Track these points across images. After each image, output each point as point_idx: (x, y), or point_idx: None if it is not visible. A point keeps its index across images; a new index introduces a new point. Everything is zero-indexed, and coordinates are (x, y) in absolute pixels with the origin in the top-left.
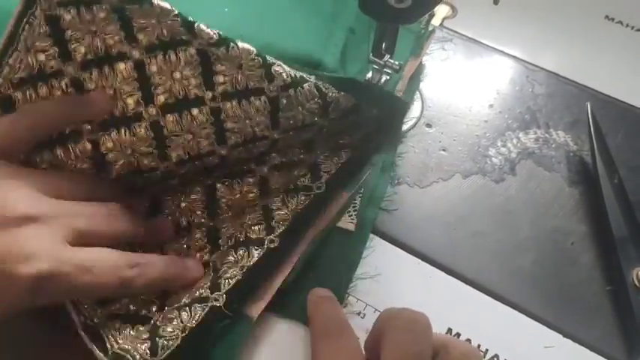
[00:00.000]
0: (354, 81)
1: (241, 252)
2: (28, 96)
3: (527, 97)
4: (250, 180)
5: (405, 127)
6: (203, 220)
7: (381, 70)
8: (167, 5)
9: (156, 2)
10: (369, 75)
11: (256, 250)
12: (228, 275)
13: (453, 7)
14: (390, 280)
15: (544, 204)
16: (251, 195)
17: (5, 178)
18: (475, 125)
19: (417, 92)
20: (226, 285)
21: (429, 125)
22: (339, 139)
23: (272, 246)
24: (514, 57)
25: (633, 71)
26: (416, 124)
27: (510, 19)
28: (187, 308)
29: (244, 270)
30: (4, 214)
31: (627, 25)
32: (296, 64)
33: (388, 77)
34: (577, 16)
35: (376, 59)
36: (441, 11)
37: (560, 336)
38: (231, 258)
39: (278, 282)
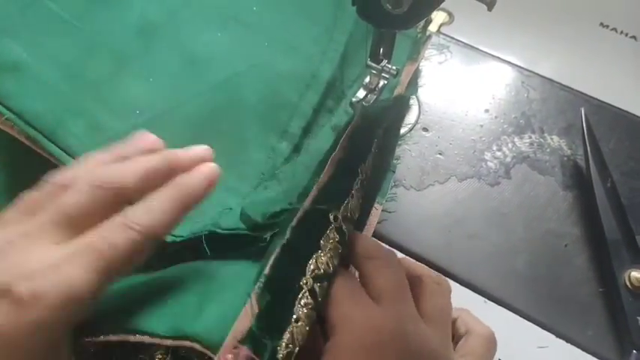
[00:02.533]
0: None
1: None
2: None
3: (522, 102)
4: None
5: (402, 131)
6: None
7: (378, 75)
8: None
9: None
10: (367, 79)
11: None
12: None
13: (450, 14)
14: None
15: (538, 207)
16: None
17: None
18: (471, 129)
19: (414, 97)
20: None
21: (425, 129)
22: None
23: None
24: (510, 63)
25: (627, 77)
26: (413, 128)
27: (506, 25)
28: None
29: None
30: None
31: (621, 32)
32: (287, 81)
33: (386, 82)
34: (572, 22)
35: (374, 64)
36: (438, 18)
37: (554, 336)
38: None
39: None
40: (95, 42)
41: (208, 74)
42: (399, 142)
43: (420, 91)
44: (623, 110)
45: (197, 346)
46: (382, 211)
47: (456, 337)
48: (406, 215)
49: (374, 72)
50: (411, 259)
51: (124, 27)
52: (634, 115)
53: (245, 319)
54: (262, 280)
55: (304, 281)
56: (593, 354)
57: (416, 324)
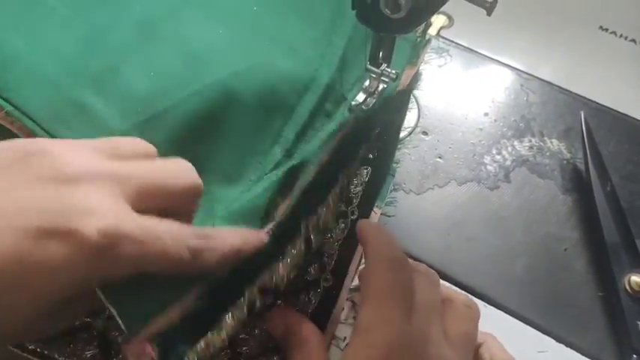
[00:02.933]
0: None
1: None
2: None
3: (521, 105)
4: None
5: (401, 135)
6: None
7: (378, 79)
8: None
9: None
10: (367, 83)
11: (314, 293)
12: None
13: (449, 18)
14: None
15: (538, 211)
16: None
17: (70, 145)
18: (470, 133)
19: (414, 100)
20: None
21: (425, 133)
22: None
23: (326, 285)
24: (509, 66)
25: (626, 81)
26: (412, 131)
27: (506, 29)
28: None
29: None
30: (59, 171)
31: (621, 36)
32: (286, 83)
33: (385, 85)
34: (572, 26)
35: (373, 68)
36: (437, 21)
37: (553, 341)
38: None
39: (337, 316)
40: (95, 37)
41: (209, 71)
42: (399, 146)
43: (420, 95)
44: (622, 114)
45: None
46: (381, 214)
47: None
48: (406, 219)
49: (373, 76)
50: (446, 284)
51: (124, 22)
52: (633, 118)
53: (171, 316)
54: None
55: (250, 290)
56: (593, 358)
57: (439, 347)
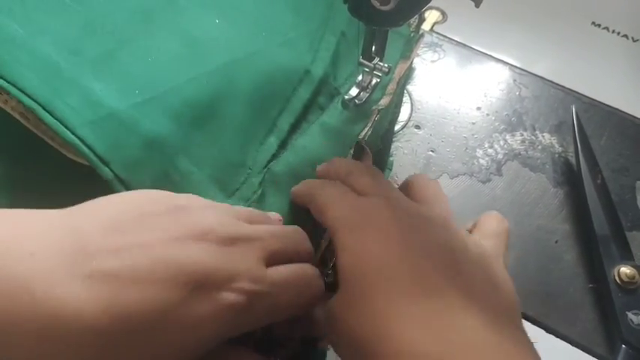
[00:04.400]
0: None
1: None
2: None
3: (514, 100)
4: None
5: (395, 129)
6: None
7: (371, 73)
8: None
9: None
10: (360, 77)
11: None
12: None
13: (443, 13)
14: None
15: (529, 203)
16: None
17: (214, 207)
18: (463, 127)
19: (407, 95)
20: None
21: (418, 127)
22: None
23: (328, 280)
24: (502, 61)
25: (618, 76)
26: (405, 125)
27: (499, 24)
28: None
29: None
30: (215, 233)
31: (613, 32)
32: (282, 74)
33: (378, 80)
34: (564, 22)
35: (366, 62)
36: (431, 17)
37: (543, 331)
38: None
39: None
40: (93, 22)
41: (207, 58)
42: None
43: (413, 89)
44: (613, 108)
45: None
46: None
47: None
48: None
49: (366, 70)
50: None
51: (123, 9)
52: (624, 112)
53: None
54: None
55: None
56: (583, 349)
57: (412, 206)
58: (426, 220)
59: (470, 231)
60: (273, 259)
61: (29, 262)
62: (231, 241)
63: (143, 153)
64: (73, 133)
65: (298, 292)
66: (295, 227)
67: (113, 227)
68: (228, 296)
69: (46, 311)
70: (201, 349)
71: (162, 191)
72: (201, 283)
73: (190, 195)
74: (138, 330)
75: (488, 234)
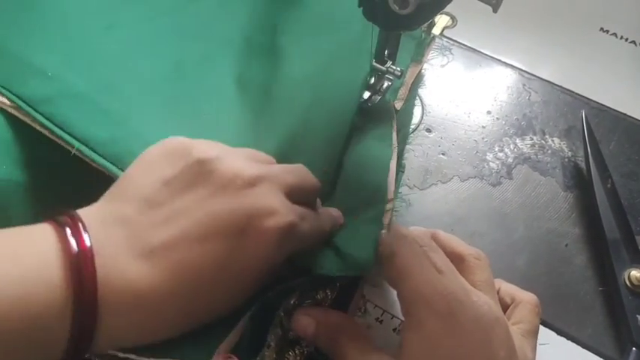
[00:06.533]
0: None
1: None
2: None
3: (523, 104)
4: None
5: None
6: None
7: (383, 76)
8: None
9: None
10: (372, 80)
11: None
12: None
13: (453, 18)
14: None
15: (539, 207)
16: None
17: (227, 152)
18: (473, 131)
19: (418, 98)
20: None
21: (429, 130)
22: None
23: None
24: (512, 66)
25: (626, 81)
26: (416, 128)
27: (508, 29)
28: None
29: None
30: (240, 178)
31: (621, 37)
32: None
33: (390, 83)
34: (573, 27)
35: (379, 65)
36: (441, 21)
37: (554, 334)
38: None
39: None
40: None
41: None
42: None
43: (424, 93)
44: (622, 113)
45: None
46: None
47: (502, 307)
48: (409, 214)
49: (379, 73)
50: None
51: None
52: (633, 118)
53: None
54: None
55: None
56: (594, 351)
57: (476, 293)
58: (494, 322)
59: (505, 308)
60: (291, 192)
61: (98, 263)
62: (256, 180)
63: None
64: None
65: (315, 221)
66: (298, 164)
67: (148, 204)
68: (269, 231)
69: (128, 295)
70: (259, 279)
71: (174, 142)
72: (245, 225)
73: (201, 141)
74: (206, 282)
75: (527, 330)
